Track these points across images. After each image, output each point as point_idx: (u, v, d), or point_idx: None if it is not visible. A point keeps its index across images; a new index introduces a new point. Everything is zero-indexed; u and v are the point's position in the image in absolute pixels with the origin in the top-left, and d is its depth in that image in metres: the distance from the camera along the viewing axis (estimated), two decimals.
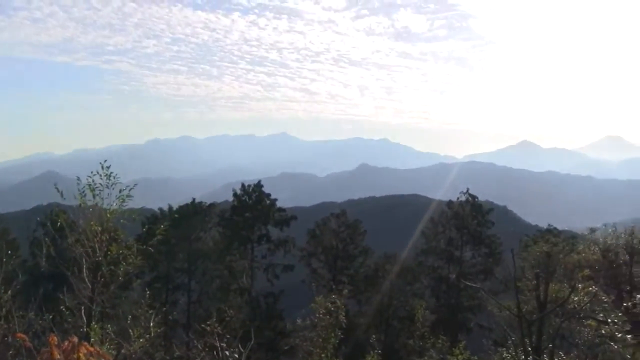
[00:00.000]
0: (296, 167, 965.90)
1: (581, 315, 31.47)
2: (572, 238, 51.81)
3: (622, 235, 40.86)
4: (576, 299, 35.96)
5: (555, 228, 71.15)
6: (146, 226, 61.05)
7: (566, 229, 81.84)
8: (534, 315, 30.76)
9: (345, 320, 29.66)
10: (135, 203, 17.83)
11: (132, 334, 17.00)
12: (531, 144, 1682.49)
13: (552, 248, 37.90)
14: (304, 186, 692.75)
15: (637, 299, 18.96)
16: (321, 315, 28.93)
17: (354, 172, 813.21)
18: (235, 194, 68.91)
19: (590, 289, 28.08)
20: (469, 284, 57.78)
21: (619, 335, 19.13)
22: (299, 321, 34.48)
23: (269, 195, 68.80)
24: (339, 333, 28.89)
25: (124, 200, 16.66)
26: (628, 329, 19.37)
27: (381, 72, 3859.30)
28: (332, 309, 28.99)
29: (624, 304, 21.83)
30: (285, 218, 68.32)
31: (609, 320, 21.14)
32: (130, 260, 16.83)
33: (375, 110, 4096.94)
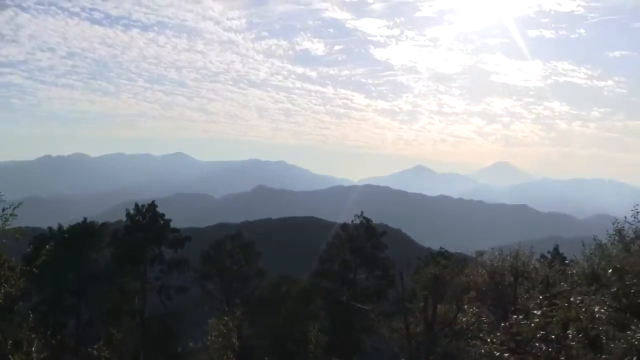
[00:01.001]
0: (192, 187, 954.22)
1: (469, 335, 32.34)
2: (462, 261, 52.99)
3: (508, 258, 42.17)
4: (464, 319, 36.95)
5: (446, 251, 72.77)
6: (31, 246, 59.19)
7: (458, 251, 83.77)
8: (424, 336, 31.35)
9: (237, 343, 29.52)
10: (23, 222, 17.29)
11: None
12: (425, 168, 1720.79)
13: (442, 270, 38.87)
14: (200, 207, 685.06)
15: (513, 319, 19.55)
16: (213, 338, 28.72)
17: (250, 194, 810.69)
18: (128, 214, 67.62)
19: (472, 309, 28.99)
20: (360, 306, 58.31)
21: (497, 354, 19.71)
22: (191, 344, 34.14)
23: (163, 215, 67.89)
24: (231, 355, 28.72)
25: (7, 220, 16.11)
26: (506, 347, 20.02)
27: (280, 94, 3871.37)
28: (225, 331, 28.80)
29: (502, 324, 22.52)
30: (180, 239, 67.54)
31: (488, 339, 21.78)
32: (13, 282, 16.27)
33: (273, 132, 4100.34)
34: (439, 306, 39.81)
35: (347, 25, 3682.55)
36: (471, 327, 32.53)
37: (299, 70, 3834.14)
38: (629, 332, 17.31)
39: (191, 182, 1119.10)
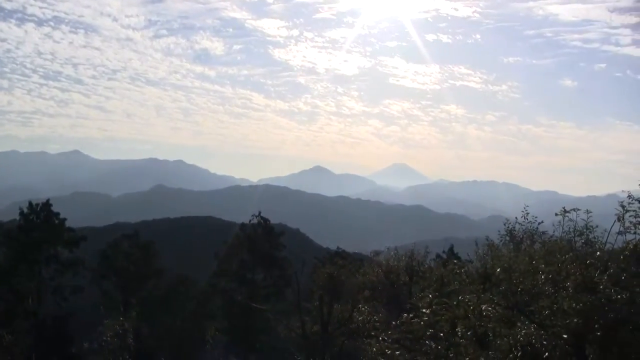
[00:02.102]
0: (89, 186, 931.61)
1: (364, 334, 32.79)
2: (359, 260, 53.55)
3: (403, 258, 42.96)
4: (360, 318, 37.44)
5: (343, 250, 73.48)
6: None
7: (355, 251, 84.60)
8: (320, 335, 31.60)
9: (134, 343, 29.15)
10: None
11: None
12: (324, 169, 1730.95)
13: (339, 270, 39.28)
14: (97, 206, 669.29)
15: (404, 317, 19.96)
16: (109, 339, 28.28)
17: (148, 193, 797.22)
18: (22, 213, 65.63)
19: (364, 308, 29.44)
20: (257, 306, 58.26)
21: (389, 352, 20.13)
22: (86, 345, 33.53)
23: (58, 214, 66.18)
24: (127, 357, 28.35)
25: None
26: (398, 345, 20.45)
27: (178, 93, 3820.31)
28: (120, 331, 28.41)
29: (393, 322, 22.97)
30: (75, 238, 65.97)
31: (380, 338, 22.20)
32: None
33: (171, 132, 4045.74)
34: (335, 305, 40.22)
35: (246, 25, 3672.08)
36: (367, 326, 33.08)
37: (198, 69, 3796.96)
38: (517, 330, 17.98)
39: (88, 181, 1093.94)
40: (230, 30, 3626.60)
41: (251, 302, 61.84)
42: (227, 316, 68.56)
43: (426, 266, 42.14)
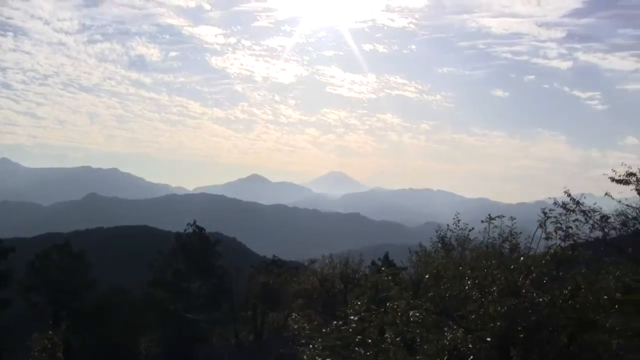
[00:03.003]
0: (19, 195, 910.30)
1: (299, 341, 33.05)
2: (295, 269, 53.86)
3: (338, 266, 43.48)
4: (296, 326, 37.70)
5: (279, 259, 73.51)
6: None
7: (292, 259, 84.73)
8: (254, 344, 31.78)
9: (63, 357, 28.84)
10: None
11: None
12: (261, 177, 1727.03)
13: (274, 279, 39.53)
14: (27, 216, 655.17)
15: (333, 324, 20.40)
16: (36, 354, 27.93)
17: (81, 202, 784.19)
18: None
19: (295, 316, 29.74)
20: (190, 316, 58.03)
21: (319, 359, 20.50)
22: None
23: None
24: None
25: None
26: (328, 352, 20.84)
27: (113, 100, 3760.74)
28: (49, 345, 28.08)
29: (323, 330, 23.35)
30: (3, 249, 64.58)
31: (311, 345, 22.55)
32: None
33: (106, 139, 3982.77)
34: (270, 314, 40.43)
35: (183, 31, 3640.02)
36: (302, 333, 33.29)
37: (133, 75, 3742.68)
38: (444, 334, 18.54)
39: (17, 189, 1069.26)
40: (167, 36, 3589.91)
41: (186, 312, 61.50)
42: (162, 327, 67.95)
43: (361, 273, 42.69)
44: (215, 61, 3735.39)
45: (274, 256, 76.79)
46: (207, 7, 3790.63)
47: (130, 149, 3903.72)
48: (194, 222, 70.79)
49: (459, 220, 26.45)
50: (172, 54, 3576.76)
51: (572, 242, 20.02)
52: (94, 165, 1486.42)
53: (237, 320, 40.21)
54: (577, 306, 18.21)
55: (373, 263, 58.27)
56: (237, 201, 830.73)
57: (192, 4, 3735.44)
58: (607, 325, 19.34)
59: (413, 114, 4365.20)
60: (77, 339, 61.65)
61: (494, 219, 20.80)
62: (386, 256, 67.01)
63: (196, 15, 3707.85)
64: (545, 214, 19.63)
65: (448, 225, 27.36)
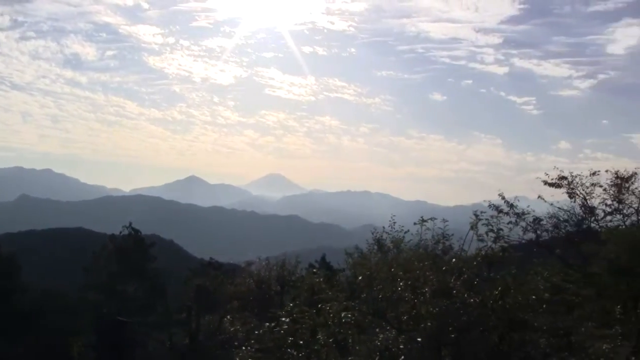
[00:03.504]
0: None
1: (235, 344, 32.99)
2: (232, 271, 53.77)
3: (275, 268, 43.57)
4: (232, 329, 37.66)
5: (216, 261, 73.11)
6: None
7: (230, 262, 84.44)
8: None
9: None
10: None
11: None
12: (199, 179, 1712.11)
13: (209, 281, 39.39)
14: None
15: (265, 326, 20.56)
16: None
17: (13, 204, 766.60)
18: None
19: (230, 318, 29.75)
20: (124, 319, 57.26)
21: None
22: None
23: None
24: None
25: None
26: (260, 355, 20.97)
27: (47, 98, 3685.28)
28: None
29: (256, 332, 23.47)
30: None
31: (243, 347, 22.65)
32: None
33: (39, 139, 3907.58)
34: (206, 316, 40.27)
35: (120, 30, 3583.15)
36: (238, 335, 33.30)
37: (68, 74, 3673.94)
38: (376, 335, 18.76)
39: None
40: (104, 35, 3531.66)
41: (120, 316, 60.74)
42: (96, 331, 66.90)
43: (297, 276, 42.83)
44: (153, 61, 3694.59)
45: (211, 258, 76.30)
46: (145, 6, 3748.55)
47: (65, 150, 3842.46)
48: (130, 224, 69.95)
49: (394, 222, 26.71)
50: (109, 52, 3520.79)
51: (502, 244, 20.45)
52: (27, 166, 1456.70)
53: (172, 323, 39.91)
54: (507, 306, 18.60)
55: (310, 265, 58.44)
56: (174, 203, 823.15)
57: (129, 3, 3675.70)
58: (536, 324, 19.80)
59: (352, 117, 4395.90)
60: (5, 345, 60.38)
61: (426, 221, 21.14)
62: (323, 258, 67.23)
63: (133, 14, 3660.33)
64: (476, 216, 20.02)
65: (384, 227, 27.61)
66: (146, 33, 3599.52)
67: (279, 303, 39.51)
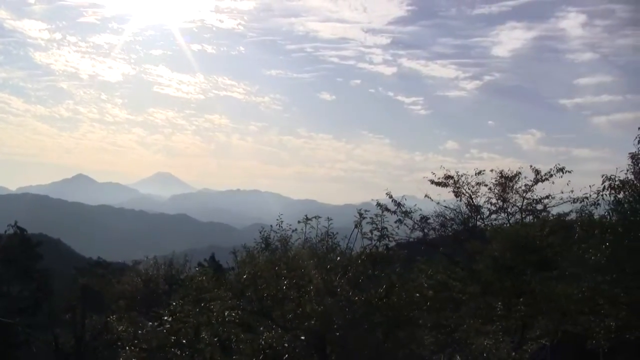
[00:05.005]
0: None
1: (123, 344, 32.40)
2: (120, 270, 52.85)
3: (162, 266, 43.05)
4: (120, 328, 36.92)
5: (104, 260, 71.87)
6: None
7: (118, 261, 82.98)
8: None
9: None
10: None
11: None
12: (86, 177, 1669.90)
13: (96, 280, 38.57)
14: None
15: (148, 325, 20.38)
16: None
17: None
18: None
19: (113, 318, 29.20)
20: (6, 320, 55.45)
21: None
22: None
23: None
24: None
25: None
26: (143, 355, 20.71)
27: None
28: None
29: (139, 331, 23.21)
30: None
31: (127, 347, 22.33)
32: None
33: None
34: (94, 316, 39.42)
35: (5, 25, 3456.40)
36: (125, 336, 32.65)
37: None
38: (259, 334, 18.78)
39: None
40: None
41: (3, 317, 58.77)
42: None
43: (186, 274, 42.44)
44: (40, 57, 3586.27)
45: (98, 257, 74.99)
46: (31, 0, 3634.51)
47: None
48: (15, 223, 67.87)
49: (282, 222, 26.79)
50: None
51: (387, 242, 20.75)
52: None
53: (57, 324, 38.89)
54: (392, 304, 18.90)
55: (199, 264, 58.05)
56: (62, 201, 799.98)
57: None
58: (421, 321, 20.21)
59: (241, 115, 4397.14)
60: None
61: (310, 219, 21.26)
62: (212, 257, 66.95)
63: (19, 8, 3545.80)
64: (360, 214, 20.24)
65: (272, 226, 27.66)
66: (32, 28, 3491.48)
67: (167, 302, 39.09)
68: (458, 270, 30.44)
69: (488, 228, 33.77)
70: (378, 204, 29.90)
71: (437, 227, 36.69)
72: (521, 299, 25.91)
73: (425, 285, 21.34)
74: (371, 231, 20.08)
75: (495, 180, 35.46)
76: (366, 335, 18.54)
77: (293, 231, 23.73)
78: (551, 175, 33.84)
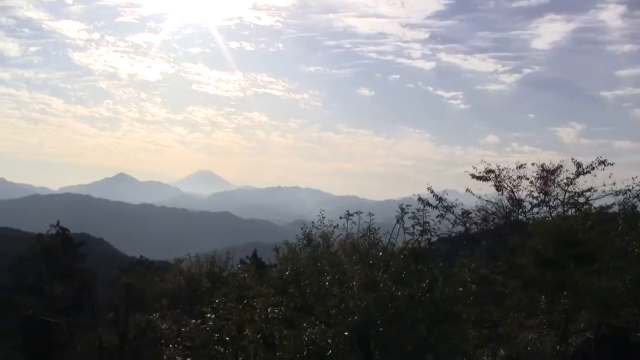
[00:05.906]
0: None
1: (166, 342, 32.66)
2: (162, 269, 53.21)
3: (205, 264, 43.23)
4: (163, 326, 37.22)
5: (147, 259, 72.37)
6: None
7: (160, 259, 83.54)
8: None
9: None
10: None
11: None
12: (127, 176, 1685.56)
13: (140, 279, 38.88)
14: None
15: (191, 323, 20.49)
16: None
17: None
18: None
19: (155, 315, 29.45)
20: (51, 320, 56.16)
21: (179, 358, 20.48)
22: None
23: None
24: None
25: None
26: (187, 352, 20.82)
27: None
28: None
29: (182, 329, 23.36)
30: None
31: (170, 345, 22.51)
32: None
33: None
34: (137, 315, 39.73)
35: (44, 26, 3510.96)
36: (165, 334, 32.95)
37: None
38: (302, 330, 18.76)
39: None
40: (27, 30, 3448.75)
41: (47, 317, 59.52)
42: (22, 333, 65.51)
43: (228, 272, 42.56)
44: (78, 57, 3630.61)
45: (141, 256, 75.55)
46: (69, 1, 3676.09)
47: None
48: (58, 223, 68.61)
49: (323, 217, 26.72)
50: (32, 48, 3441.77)
51: (429, 237, 20.62)
52: None
53: (100, 323, 39.26)
54: (434, 299, 18.79)
55: (242, 261, 58.19)
56: (104, 201, 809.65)
57: None
58: (464, 316, 20.05)
59: (280, 112, 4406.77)
60: None
61: (351, 215, 21.20)
62: (254, 254, 67.05)
63: (57, 9, 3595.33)
64: (402, 209, 20.13)
65: (313, 222, 27.60)
66: (70, 29, 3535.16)
67: (210, 300, 39.26)
68: (500, 264, 30.18)
69: (530, 222, 33.42)
70: (419, 199, 29.69)
71: (479, 221, 36.44)
72: (564, 293, 25.63)
73: (468, 279, 21.08)
74: (413, 226, 19.96)
75: (537, 174, 35.10)
76: (409, 330, 18.43)
77: (335, 227, 23.69)
78: (593, 168, 33.37)
